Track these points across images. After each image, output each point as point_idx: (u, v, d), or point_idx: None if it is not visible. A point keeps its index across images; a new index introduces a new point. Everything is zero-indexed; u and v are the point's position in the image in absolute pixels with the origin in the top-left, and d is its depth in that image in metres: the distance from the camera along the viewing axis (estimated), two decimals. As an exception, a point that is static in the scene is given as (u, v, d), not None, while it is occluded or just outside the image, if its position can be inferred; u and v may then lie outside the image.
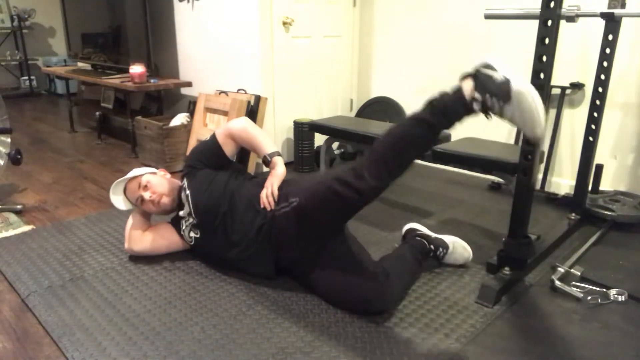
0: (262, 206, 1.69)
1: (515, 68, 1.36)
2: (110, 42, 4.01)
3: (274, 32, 3.05)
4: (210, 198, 1.77)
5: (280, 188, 1.72)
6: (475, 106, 1.37)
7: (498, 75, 1.32)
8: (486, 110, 1.37)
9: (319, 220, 1.61)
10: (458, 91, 1.39)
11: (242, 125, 1.84)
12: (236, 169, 1.90)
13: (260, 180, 1.82)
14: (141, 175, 1.90)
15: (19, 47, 6.14)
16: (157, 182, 1.89)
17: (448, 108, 1.40)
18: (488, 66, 1.37)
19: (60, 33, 6.37)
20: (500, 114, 1.35)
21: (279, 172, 1.76)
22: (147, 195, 1.86)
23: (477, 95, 1.35)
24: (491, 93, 1.32)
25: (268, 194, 1.70)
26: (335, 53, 3.49)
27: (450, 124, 1.43)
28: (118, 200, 1.94)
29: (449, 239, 1.91)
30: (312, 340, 1.45)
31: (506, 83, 1.31)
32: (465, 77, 1.40)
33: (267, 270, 1.75)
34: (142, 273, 1.85)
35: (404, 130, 1.48)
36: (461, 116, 1.42)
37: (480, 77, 1.35)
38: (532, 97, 1.28)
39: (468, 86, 1.37)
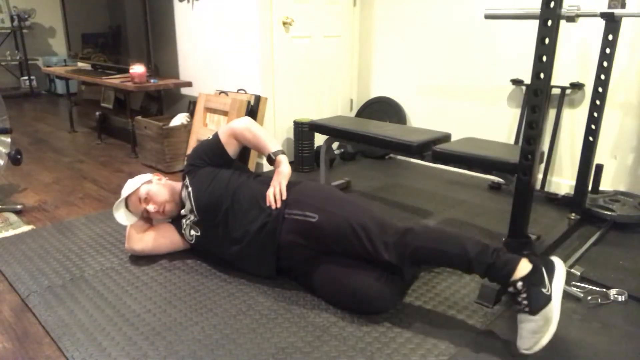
0: (267, 204, 1.69)
1: (562, 274, 1.40)
2: (110, 42, 4.01)
3: (274, 32, 3.05)
4: (212, 195, 1.77)
5: (287, 189, 1.72)
6: (511, 289, 1.41)
7: (547, 289, 1.36)
8: (513, 301, 1.42)
9: (328, 245, 1.62)
10: (512, 263, 1.41)
11: (245, 124, 1.84)
12: (238, 167, 1.90)
13: (265, 178, 1.82)
14: (138, 188, 1.89)
15: (19, 47, 6.14)
16: (156, 190, 1.89)
17: (493, 268, 1.43)
18: (551, 270, 1.41)
19: (60, 33, 6.37)
20: (518, 313, 1.39)
21: (284, 170, 1.76)
22: (151, 208, 1.86)
23: (519, 285, 1.38)
24: (529, 298, 1.36)
25: (276, 192, 1.70)
26: (335, 53, 3.49)
27: (484, 277, 1.47)
28: (121, 217, 1.92)
29: None
30: (312, 340, 1.45)
31: (546, 300, 1.34)
32: (529, 259, 1.43)
33: (267, 269, 1.75)
34: (142, 273, 1.85)
35: (450, 248, 1.49)
36: (497, 282, 1.48)
37: (535, 276, 1.38)
38: (549, 330, 1.32)
39: (522, 272, 1.40)
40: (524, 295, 1.36)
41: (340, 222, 1.58)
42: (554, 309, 1.33)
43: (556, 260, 1.44)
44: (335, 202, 1.66)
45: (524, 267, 1.40)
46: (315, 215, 1.62)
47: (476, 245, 1.47)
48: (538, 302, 1.33)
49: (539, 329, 1.32)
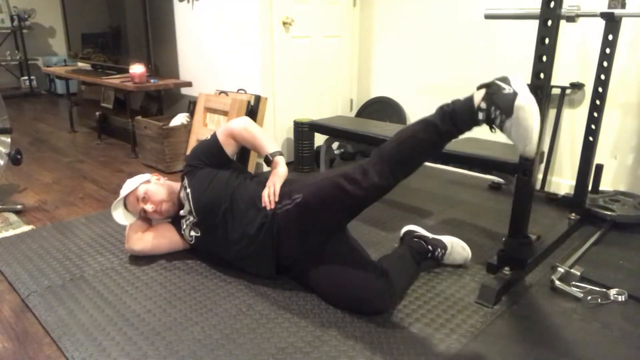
0: (263, 205, 1.69)
1: (520, 77, 1.37)
2: (110, 42, 4.00)
3: (274, 32, 3.05)
4: (211, 196, 1.77)
5: (282, 187, 1.72)
6: (480, 115, 1.39)
7: (508, 89, 1.34)
8: (489, 121, 1.39)
9: (322, 216, 1.61)
10: (469, 99, 1.41)
11: (243, 124, 1.84)
12: (237, 168, 1.90)
13: (262, 179, 1.82)
14: (136, 188, 1.89)
15: (19, 47, 6.14)
16: (154, 190, 1.89)
17: (456, 114, 1.42)
18: (504, 79, 1.38)
19: (60, 33, 6.37)
20: (501, 128, 1.37)
21: (280, 171, 1.77)
22: (148, 207, 1.86)
23: (483, 104, 1.37)
24: (496, 105, 1.34)
25: (270, 193, 1.70)
26: (335, 53, 3.49)
27: (457, 130, 1.45)
28: (119, 216, 1.93)
29: (447, 239, 1.91)
30: (312, 340, 1.45)
31: (512, 96, 1.32)
32: (480, 87, 1.42)
33: (267, 269, 1.75)
34: (142, 273, 1.85)
35: (412, 132, 1.50)
36: (468, 124, 1.44)
37: (492, 88, 1.37)
38: (532, 114, 1.30)
39: (479, 95, 1.39)
40: (492, 107, 1.34)
41: (319, 185, 1.60)
42: (523, 97, 1.31)
43: (508, 75, 1.42)
44: (314, 176, 1.69)
45: (480, 93, 1.40)
46: (300, 194, 1.63)
47: (430, 117, 1.48)
48: (507, 102, 1.32)
49: (524, 119, 1.30)
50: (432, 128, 1.46)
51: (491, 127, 1.41)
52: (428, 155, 1.57)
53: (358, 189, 1.51)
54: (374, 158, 1.52)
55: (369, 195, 1.54)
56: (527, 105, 1.30)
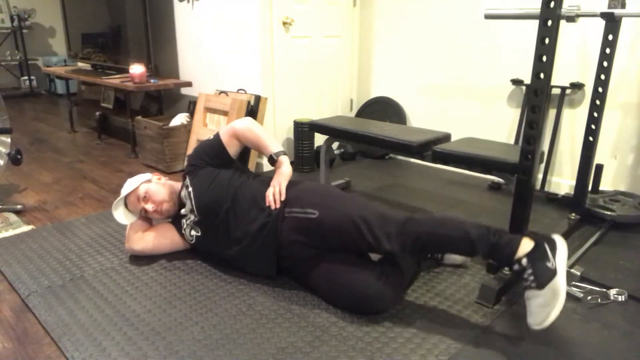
0: (267, 204, 1.69)
1: (564, 253, 1.42)
2: (110, 42, 4.00)
3: (274, 32, 3.05)
4: (213, 195, 1.77)
5: (288, 189, 1.72)
6: (516, 267, 1.43)
7: (552, 263, 1.37)
8: (519, 278, 1.44)
9: (328, 241, 1.63)
10: (516, 243, 1.44)
11: (246, 125, 1.84)
12: (239, 168, 1.90)
13: (265, 178, 1.82)
14: (137, 187, 1.89)
15: (19, 47, 6.14)
16: (154, 190, 1.89)
17: (496, 248, 1.46)
18: (552, 245, 1.42)
19: (60, 33, 6.37)
20: (525, 290, 1.41)
21: (285, 171, 1.77)
22: (149, 207, 1.86)
23: (524, 262, 1.40)
24: (534, 272, 1.37)
25: (275, 192, 1.70)
26: (335, 53, 3.49)
27: (488, 258, 1.50)
28: (120, 216, 1.93)
29: None
30: (312, 340, 1.45)
31: (551, 274, 1.35)
32: (531, 237, 1.45)
33: (268, 269, 1.75)
34: (142, 273, 1.85)
35: (451, 232, 1.51)
36: (500, 263, 1.51)
37: (539, 252, 1.40)
38: (559, 302, 1.33)
39: (525, 249, 1.42)
40: (530, 271, 1.38)
41: (340, 216, 1.59)
42: (560, 281, 1.34)
43: (557, 236, 1.46)
44: (335, 198, 1.68)
45: (526, 244, 1.43)
46: (316, 211, 1.62)
47: (478, 227, 1.49)
48: (544, 276, 1.35)
49: (548, 303, 1.33)
50: (469, 243, 1.48)
51: (519, 280, 1.47)
52: (449, 253, 1.69)
53: (374, 243, 1.54)
54: (404, 228, 1.53)
55: (379, 250, 1.58)
56: (560, 290, 1.34)
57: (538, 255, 1.39)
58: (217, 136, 1.87)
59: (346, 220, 1.57)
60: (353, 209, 1.60)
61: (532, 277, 1.37)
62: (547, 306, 1.33)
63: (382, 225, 1.54)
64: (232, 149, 1.86)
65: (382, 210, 1.61)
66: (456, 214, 2.45)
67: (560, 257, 1.39)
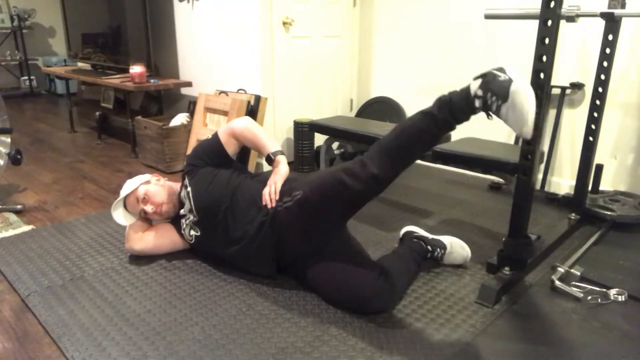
0: (263, 203, 1.69)
1: (515, 68, 1.38)
2: (110, 42, 4.00)
3: (274, 32, 3.05)
4: (212, 195, 1.77)
5: (283, 186, 1.72)
6: (477, 103, 1.41)
7: (503, 76, 1.37)
8: (486, 107, 1.41)
9: (322, 212, 1.61)
10: (465, 88, 1.44)
11: (244, 124, 1.84)
12: (238, 168, 1.90)
13: (263, 178, 1.82)
14: (136, 188, 1.89)
15: (19, 47, 6.14)
16: (154, 191, 1.89)
17: (454, 103, 1.45)
18: (500, 69, 1.41)
19: (60, 33, 6.37)
20: (497, 113, 1.39)
21: (282, 170, 1.77)
22: (149, 208, 1.86)
23: (480, 92, 1.40)
24: (492, 92, 1.37)
25: (271, 191, 1.70)
26: (335, 53, 3.49)
27: (455, 119, 1.46)
28: (119, 217, 1.93)
29: (446, 239, 1.91)
30: (312, 340, 1.45)
31: (507, 82, 1.35)
32: (476, 77, 1.45)
33: (268, 269, 1.75)
34: (142, 273, 1.85)
35: (410, 123, 1.52)
36: (465, 113, 1.46)
37: (488, 77, 1.41)
38: (526, 96, 1.32)
39: (475, 84, 1.43)
40: (488, 94, 1.38)
41: (319, 181, 1.61)
42: (519, 83, 1.33)
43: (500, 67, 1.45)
44: (314, 174, 1.71)
45: (475, 82, 1.43)
46: (300, 191, 1.64)
47: (428, 108, 1.49)
48: (502, 88, 1.35)
49: (520, 104, 1.32)
50: (429, 118, 1.47)
51: (488, 114, 1.43)
52: (426, 146, 1.57)
53: (358, 182, 1.51)
54: (372, 151, 1.54)
55: (369, 188, 1.54)
56: (522, 89, 1.33)
57: (488, 79, 1.39)
58: (215, 136, 1.87)
59: (325, 180, 1.59)
60: (326, 171, 1.63)
61: (494, 98, 1.36)
62: (519, 107, 1.32)
63: (355, 164, 1.54)
64: (231, 149, 1.86)
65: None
66: (459, 219, 2.45)
67: (511, 70, 1.38)
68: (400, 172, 1.55)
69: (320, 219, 1.63)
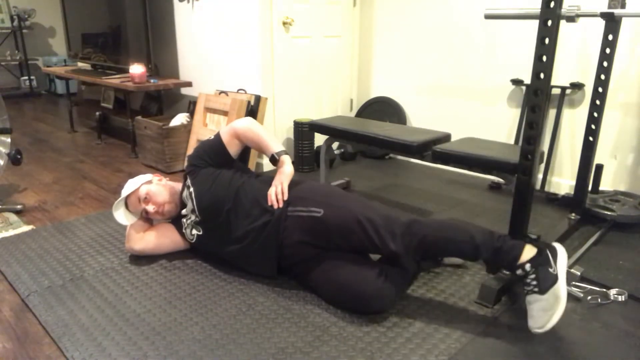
0: (269, 203, 1.69)
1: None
2: (110, 42, 4.00)
3: (274, 32, 3.05)
4: (215, 195, 1.77)
5: (290, 188, 1.73)
6: (519, 272, 1.46)
7: (553, 269, 1.41)
8: (522, 282, 1.46)
9: (332, 239, 1.63)
10: (519, 249, 1.48)
11: (247, 124, 1.84)
12: (240, 168, 1.91)
13: (266, 178, 1.82)
14: (138, 188, 1.89)
15: (19, 47, 6.14)
16: (155, 191, 1.89)
17: (500, 253, 1.49)
18: (554, 253, 1.45)
19: (60, 33, 6.37)
20: (527, 294, 1.45)
21: (287, 170, 1.77)
22: (150, 208, 1.86)
23: (528, 267, 1.44)
24: (537, 277, 1.42)
25: (277, 192, 1.70)
26: (335, 53, 3.49)
27: (492, 262, 1.53)
28: (121, 217, 1.93)
29: None
30: (312, 340, 1.45)
31: (554, 279, 1.39)
32: (533, 244, 1.49)
33: (269, 269, 1.75)
34: (142, 273, 1.85)
35: (456, 235, 1.54)
36: (503, 268, 1.54)
37: (542, 258, 1.44)
38: (560, 307, 1.37)
39: (528, 255, 1.46)
40: (533, 276, 1.42)
41: (345, 215, 1.60)
42: (562, 286, 1.37)
43: (556, 244, 1.49)
44: (339, 197, 1.69)
45: (529, 250, 1.47)
46: (320, 209, 1.63)
47: (482, 231, 1.52)
48: (547, 281, 1.38)
49: (550, 307, 1.36)
50: (473, 247, 1.51)
51: (523, 286, 1.48)
52: (452, 257, 1.70)
53: (379, 243, 1.55)
54: (409, 230, 1.54)
55: (383, 252, 1.58)
56: (561, 296, 1.37)
57: (541, 261, 1.43)
58: (217, 136, 1.87)
59: (351, 219, 1.58)
60: (358, 209, 1.61)
61: (535, 282, 1.41)
62: (549, 310, 1.36)
63: (387, 226, 1.55)
64: (233, 149, 1.86)
65: (386, 212, 1.63)
66: (459, 218, 2.45)
67: (561, 263, 1.42)
68: (415, 259, 1.66)
69: (327, 241, 1.64)
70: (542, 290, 1.38)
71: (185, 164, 1.98)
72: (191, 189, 1.83)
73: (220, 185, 1.78)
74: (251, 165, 3.03)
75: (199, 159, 1.87)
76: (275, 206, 1.68)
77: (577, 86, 2.58)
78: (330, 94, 3.54)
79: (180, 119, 3.34)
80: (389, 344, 1.43)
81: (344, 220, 1.59)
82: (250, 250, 1.72)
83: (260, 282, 1.77)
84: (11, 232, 2.22)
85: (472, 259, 1.55)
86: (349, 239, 1.59)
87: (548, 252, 1.45)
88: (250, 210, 1.72)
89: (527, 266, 1.44)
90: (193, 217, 1.83)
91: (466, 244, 1.51)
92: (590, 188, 2.31)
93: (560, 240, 2.07)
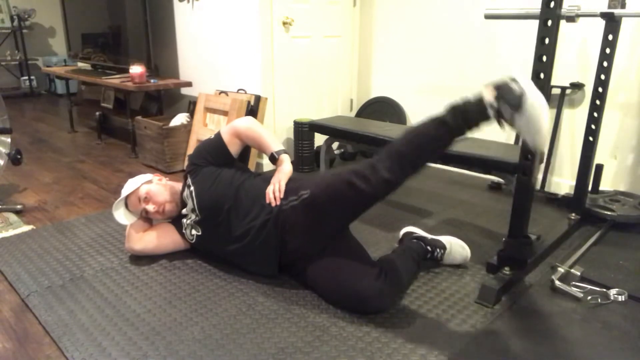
0: (267, 201, 1.69)
1: (526, 77, 1.39)
2: (110, 42, 4.01)
3: (274, 32, 3.05)
4: (215, 194, 1.77)
5: (287, 185, 1.73)
6: (490, 112, 1.42)
7: (517, 87, 1.38)
8: (499, 117, 1.42)
9: (328, 213, 1.62)
10: (479, 97, 1.45)
11: (248, 124, 1.85)
12: (240, 167, 1.91)
13: (267, 177, 1.83)
14: (138, 188, 1.89)
15: (19, 47, 6.14)
16: (156, 190, 1.89)
17: (467, 111, 1.46)
18: (512, 79, 1.42)
19: (60, 33, 6.37)
20: (511, 123, 1.40)
21: (285, 169, 1.78)
22: (150, 207, 1.86)
23: (494, 101, 1.40)
24: (506, 101, 1.38)
25: (275, 189, 1.71)
26: (335, 53, 3.49)
27: (467, 127, 1.48)
28: (121, 216, 1.93)
29: (445, 239, 1.91)
30: (312, 340, 1.45)
31: (521, 94, 1.36)
32: (488, 85, 1.45)
33: (269, 268, 1.75)
34: (142, 273, 1.85)
35: (423, 128, 1.52)
36: (478, 121, 1.47)
37: (501, 87, 1.41)
38: (541, 108, 1.33)
39: (489, 93, 1.43)
40: (502, 103, 1.39)
41: (327, 182, 1.61)
42: (533, 94, 1.34)
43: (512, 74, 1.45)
44: (322, 175, 1.71)
45: (488, 90, 1.44)
46: (307, 190, 1.64)
47: (441, 115, 1.50)
48: (516, 98, 1.35)
49: (533, 116, 1.34)
50: (442, 125, 1.48)
51: (500, 123, 1.43)
52: (436, 152, 1.58)
53: (367, 185, 1.52)
54: (382, 154, 1.54)
55: (378, 191, 1.55)
56: (536, 101, 1.34)
57: (502, 89, 1.40)
58: (218, 135, 1.87)
59: (333, 180, 1.59)
60: (335, 172, 1.63)
61: (508, 107, 1.37)
62: (534, 120, 1.33)
63: (365, 166, 1.54)
64: (234, 148, 1.87)
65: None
66: (459, 219, 2.45)
67: (523, 82, 1.38)
68: (409, 177, 1.56)
69: (325, 219, 1.63)
70: (517, 107, 1.35)
71: (186, 163, 1.98)
72: (191, 188, 1.83)
73: (221, 184, 1.78)
74: (251, 165, 3.03)
75: (200, 158, 1.88)
76: (273, 204, 1.68)
77: (577, 86, 2.58)
78: (330, 94, 3.54)
79: (180, 119, 3.34)
80: (389, 344, 1.43)
81: (328, 186, 1.60)
82: (251, 248, 1.72)
83: (260, 282, 1.77)
84: (11, 232, 2.22)
85: (448, 136, 1.49)
86: (342, 201, 1.58)
87: (506, 79, 1.41)
88: (251, 209, 1.72)
89: (493, 101, 1.40)
90: (193, 217, 1.83)
91: (434, 128, 1.49)
92: (590, 188, 2.31)
93: (560, 240, 2.07)
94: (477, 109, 1.44)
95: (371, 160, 1.55)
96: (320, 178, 1.68)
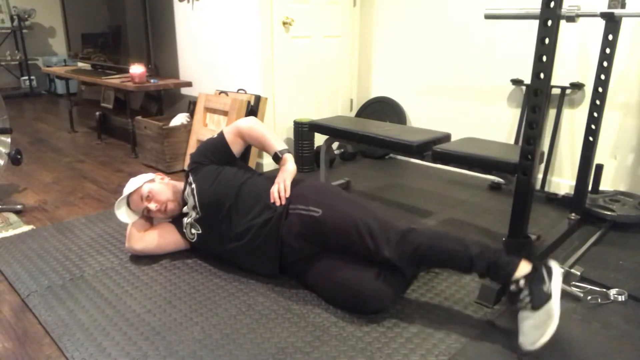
0: (272, 200, 1.69)
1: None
2: (110, 42, 4.00)
3: (274, 32, 3.05)
4: (217, 191, 1.77)
5: (292, 186, 1.73)
6: (512, 288, 1.44)
7: (547, 287, 1.39)
8: (515, 298, 1.44)
9: (330, 239, 1.63)
10: (514, 265, 1.46)
11: (251, 124, 1.85)
12: (242, 166, 1.92)
13: (270, 176, 1.83)
14: (140, 187, 1.89)
15: (19, 47, 6.14)
16: (158, 189, 1.89)
17: (495, 267, 1.47)
18: (549, 271, 1.42)
19: (60, 33, 6.37)
20: (519, 311, 1.42)
21: (290, 168, 1.78)
22: (152, 206, 1.87)
23: (521, 283, 1.42)
24: (530, 293, 1.39)
25: (280, 189, 1.71)
26: (335, 53, 3.49)
27: (486, 275, 1.51)
28: (123, 215, 1.93)
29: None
30: (312, 340, 1.45)
31: (547, 297, 1.37)
32: (528, 261, 1.47)
33: (270, 267, 1.75)
34: (142, 273, 1.85)
35: (451, 245, 1.52)
36: (497, 281, 1.51)
37: (536, 275, 1.42)
38: (552, 324, 1.33)
39: (523, 271, 1.44)
40: (526, 292, 1.39)
41: (343, 217, 1.59)
42: (555, 305, 1.35)
43: (553, 263, 1.46)
44: (339, 199, 1.69)
45: (524, 266, 1.45)
46: (319, 209, 1.63)
47: (477, 244, 1.50)
48: (540, 298, 1.36)
49: (542, 324, 1.34)
50: (468, 259, 1.49)
51: (511, 300, 1.47)
52: (447, 268, 1.69)
53: (374, 249, 1.54)
54: (405, 238, 1.54)
55: (378, 258, 1.56)
56: (554, 315, 1.34)
57: (535, 278, 1.41)
58: (221, 135, 1.88)
59: (348, 222, 1.57)
60: (356, 213, 1.60)
61: (528, 299, 1.38)
62: (540, 327, 1.33)
63: (383, 232, 1.54)
64: (236, 148, 1.87)
65: (384, 217, 1.62)
66: (459, 219, 2.45)
67: (556, 282, 1.40)
68: (410, 269, 1.63)
69: (326, 240, 1.64)
70: (535, 307, 1.36)
71: (186, 163, 1.98)
72: (193, 185, 1.83)
73: (223, 182, 1.79)
74: (251, 165, 3.03)
75: (201, 156, 1.88)
76: (278, 203, 1.69)
77: (577, 86, 2.58)
78: (330, 94, 3.54)
79: (180, 119, 3.34)
80: (389, 344, 1.43)
81: (341, 222, 1.59)
82: (252, 247, 1.72)
83: (260, 282, 1.77)
84: (11, 232, 2.22)
85: (465, 271, 1.52)
86: (345, 241, 1.59)
87: (543, 269, 1.42)
88: (252, 207, 1.72)
89: (522, 282, 1.42)
90: (194, 214, 1.83)
91: (461, 255, 1.49)
92: (590, 188, 2.30)
93: (560, 240, 2.07)
94: (504, 273, 1.46)
95: (392, 231, 1.55)
96: (336, 204, 1.64)
